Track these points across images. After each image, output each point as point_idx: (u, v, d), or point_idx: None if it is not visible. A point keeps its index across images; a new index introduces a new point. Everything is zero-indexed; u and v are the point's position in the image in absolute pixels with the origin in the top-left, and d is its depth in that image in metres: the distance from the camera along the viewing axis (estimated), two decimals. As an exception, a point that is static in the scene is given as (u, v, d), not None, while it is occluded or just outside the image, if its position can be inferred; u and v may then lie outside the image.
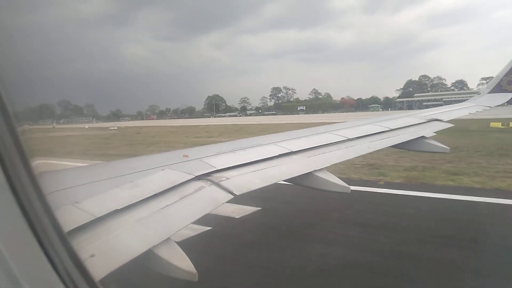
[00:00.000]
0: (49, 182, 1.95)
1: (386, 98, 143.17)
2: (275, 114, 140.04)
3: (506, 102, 7.22)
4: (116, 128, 60.79)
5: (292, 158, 3.05)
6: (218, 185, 2.28)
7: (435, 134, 4.79)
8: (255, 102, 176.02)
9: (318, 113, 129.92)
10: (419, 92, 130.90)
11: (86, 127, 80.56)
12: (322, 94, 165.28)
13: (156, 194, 1.98)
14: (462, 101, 7.87)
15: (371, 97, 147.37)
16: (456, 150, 12.73)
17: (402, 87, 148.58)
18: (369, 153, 3.72)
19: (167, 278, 1.70)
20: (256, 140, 3.40)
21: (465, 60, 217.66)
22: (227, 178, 2.38)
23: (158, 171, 2.27)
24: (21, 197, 0.82)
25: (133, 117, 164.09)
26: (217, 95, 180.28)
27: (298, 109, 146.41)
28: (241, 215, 6.51)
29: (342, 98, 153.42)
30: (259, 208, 6.83)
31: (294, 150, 3.15)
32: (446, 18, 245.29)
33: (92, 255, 1.48)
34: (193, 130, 40.87)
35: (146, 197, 1.93)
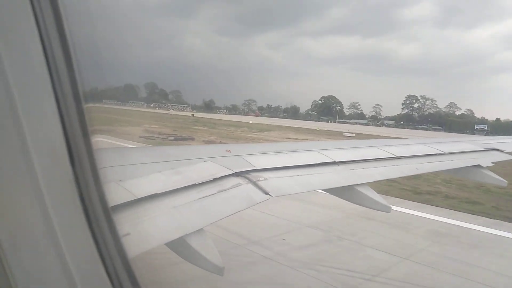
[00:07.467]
0: (102, 158, 2.06)
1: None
2: (427, 129, 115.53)
3: None
4: (353, 135, 39.52)
5: (334, 168, 2.96)
6: (255, 184, 2.27)
7: (492, 164, 4.41)
8: (367, 110, 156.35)
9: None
10: None
11: (250, 122, 60.60)
12: (463, 110, 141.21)
13: (195, 184, 2.01)
14: None
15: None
16: None
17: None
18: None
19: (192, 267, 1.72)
20: (299, 145, 3.35)
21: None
22: (265, 179, 2.36)
23: (200, 162, 2.30)
24: (77, 168, 0.87)
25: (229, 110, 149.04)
26: (333, 96, 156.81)
27: (475, 128, 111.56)
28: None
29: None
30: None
31: (337, 161, 3.05)
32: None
33: (128, 234, 1.53)
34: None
35: (185, 185, 1.97)
